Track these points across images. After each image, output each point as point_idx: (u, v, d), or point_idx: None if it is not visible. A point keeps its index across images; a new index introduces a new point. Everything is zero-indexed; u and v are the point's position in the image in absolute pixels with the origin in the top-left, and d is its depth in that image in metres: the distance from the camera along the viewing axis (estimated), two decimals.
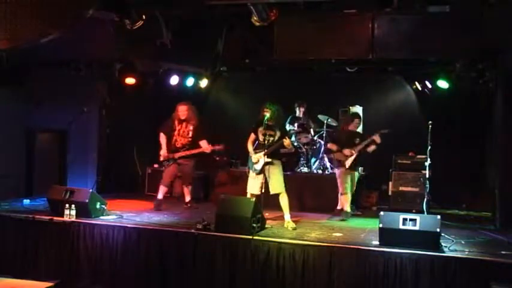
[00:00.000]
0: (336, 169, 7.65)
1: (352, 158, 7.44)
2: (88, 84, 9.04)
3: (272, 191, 6.66)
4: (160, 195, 7.82)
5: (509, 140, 7.20)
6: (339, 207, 7.63)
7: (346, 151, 7.46)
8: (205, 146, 7.71)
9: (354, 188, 7.67)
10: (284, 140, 6.63)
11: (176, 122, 7.84)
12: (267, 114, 6.63)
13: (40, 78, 9.13)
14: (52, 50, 7.64)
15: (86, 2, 6.49)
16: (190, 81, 9.87)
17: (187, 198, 8.08)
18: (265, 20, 6.89)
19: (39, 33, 6.29)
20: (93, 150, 9.20)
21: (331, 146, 7.71)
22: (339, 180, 7.52)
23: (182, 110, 7.78)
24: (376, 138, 7.45)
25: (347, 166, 7.44)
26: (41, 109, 9.15)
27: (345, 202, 7.44)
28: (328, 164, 9.24)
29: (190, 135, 7.80)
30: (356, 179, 7.70)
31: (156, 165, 9.25)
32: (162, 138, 7.89)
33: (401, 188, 8.27)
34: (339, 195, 7.58)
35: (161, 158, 7.89)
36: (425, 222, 5.58)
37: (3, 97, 8.79)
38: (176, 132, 7.82)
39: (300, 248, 5.71)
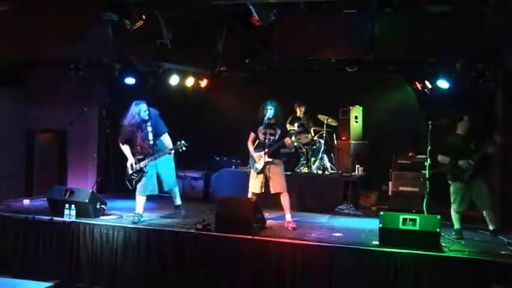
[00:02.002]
0: (451, 183, 6.53)
1: (471, 169, 6.29)
2: (88, 84, 9.05)
3: (273, 191, 6.66)
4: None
5: (510, 140, 7.20)
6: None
7: (463, 163, 6.32)
8: (166, 142, 6.80)
9: (484, 202, 6.32)
10: (285, 140, 6.63)
11: (135, 127, 6.80)
12: (267, 113, 6.62)
13: (40, 78, 9.13)
14: (52, 50, 7.67)
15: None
16: (190, 81, 9.88)
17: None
18: (265, 20, 6.88)
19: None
20: (93, 150, 9.20)
21: (443, 159, 6.51)
22: (453, 197, 6.49)
23: (144, 109, 6.74)
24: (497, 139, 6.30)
25: (464, 179, 6.35)
26: (41, 109, 9.16)
27: (454, 219, 6.49)
28: (328, 164, 9.25)
29: (151, 135, 6.78)
30: (483, 195, 6.30)
31: None
32: (126, 149, 6.91)
33: (401, 188, 8.25)
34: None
35: (130, 171, 6.85)
36: (425, 222, 5.58)
37: (3, 97, 8.80)
38: (139, 137, 6.80)
39: (300, 248, 5.71)
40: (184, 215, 7.06)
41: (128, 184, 6.88)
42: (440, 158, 6.55)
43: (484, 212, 6.36)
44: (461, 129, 6.50)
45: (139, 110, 6.76)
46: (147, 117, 6.78)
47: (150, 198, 7.09)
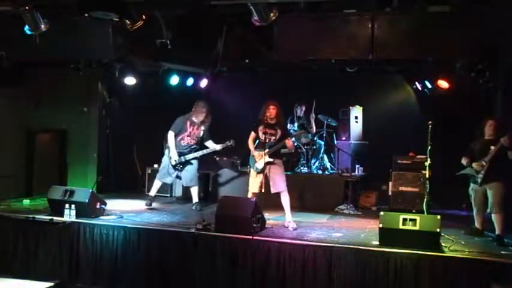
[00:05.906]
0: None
1: (483, 171, 6.30)
2: (88, 84, 9.05)
3: (273, 191, 6.66)
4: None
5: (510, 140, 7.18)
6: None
7: (475, 165, 6.38)
8: (213, 146, 7.83)
9: (491, 207, 6.28)
10: (286, 141, 6.64)
11: (188, 123, 7.78)
12: (268, 113, 6.62)
13: (40, 78, 9.13)
14: (52, 50, 7.66)
15: None
16: (190, 81, 9.87)
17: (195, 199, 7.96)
18: (265, 20, 6.87)
19: None
20: (93, 150, 9.20)
21: (463, 160, 6.59)
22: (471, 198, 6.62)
23: (202, 112, 7.77)
24: (504, 141, 6.17)
25: (478, 181, 6.36)
26: (41, 109, 9.16)
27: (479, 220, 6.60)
28: (328, 164, 9.25)
29: (200, 136, 7.83)
30: (491, 197, 6.27)
31: (156, 166, 9.01)
32: (172, 139, 7.77)
33: (401, 188, 8.24)
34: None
35: (173, 162, 7.73)
36: (425, 222, 5.59)
37: (3, 97, 8.79)
38: (187, 134, 7.78)
39: (300, 248, 5.71)
40: (199, 209, 7.70)
41: (173, 170, 7.74)
42: (463, 159, 6.62)
43: (492, 216, 6.32)
44: (488, 133, 6.47)
45: (201, 110, 7.77)
46: (201, 119, 7.77)
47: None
